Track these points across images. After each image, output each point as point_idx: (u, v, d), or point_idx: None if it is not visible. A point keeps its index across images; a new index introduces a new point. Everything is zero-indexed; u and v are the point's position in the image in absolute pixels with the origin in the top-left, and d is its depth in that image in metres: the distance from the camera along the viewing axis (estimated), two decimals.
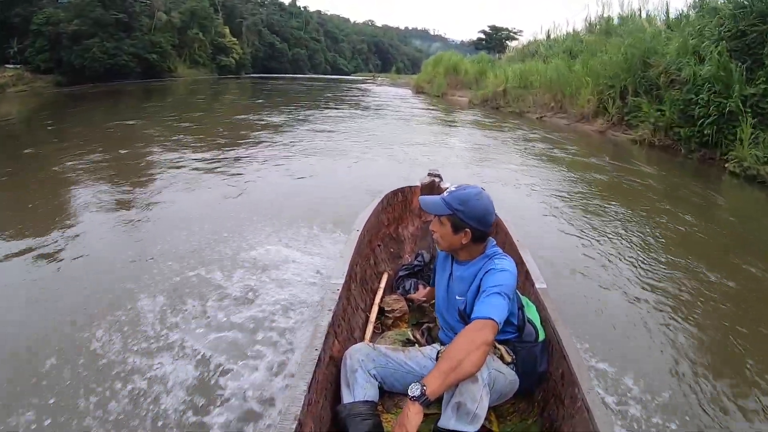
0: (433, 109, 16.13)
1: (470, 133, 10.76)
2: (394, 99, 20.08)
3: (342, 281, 1.92)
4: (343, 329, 1.85)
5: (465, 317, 1.55)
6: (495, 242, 1.67)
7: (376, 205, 2.86)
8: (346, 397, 1.50)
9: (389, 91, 25.75)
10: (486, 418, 1.48)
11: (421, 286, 2.40)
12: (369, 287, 2.42)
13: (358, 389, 1.50)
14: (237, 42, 40.00)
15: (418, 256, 2.72)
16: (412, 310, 2.30)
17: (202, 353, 2.19)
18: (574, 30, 16.58)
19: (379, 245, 2.85)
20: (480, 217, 1.56)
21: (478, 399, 1.34)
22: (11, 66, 23.98)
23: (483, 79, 17.84)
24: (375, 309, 2.22)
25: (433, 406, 1.37)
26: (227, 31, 39.30)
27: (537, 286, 1.95)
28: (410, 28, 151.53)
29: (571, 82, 11.63)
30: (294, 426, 1.22)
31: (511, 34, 32.74)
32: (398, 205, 3.15)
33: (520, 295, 1.75)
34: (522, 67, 15.01)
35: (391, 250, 2.97)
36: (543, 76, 13.17)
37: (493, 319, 1.38)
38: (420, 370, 1.56)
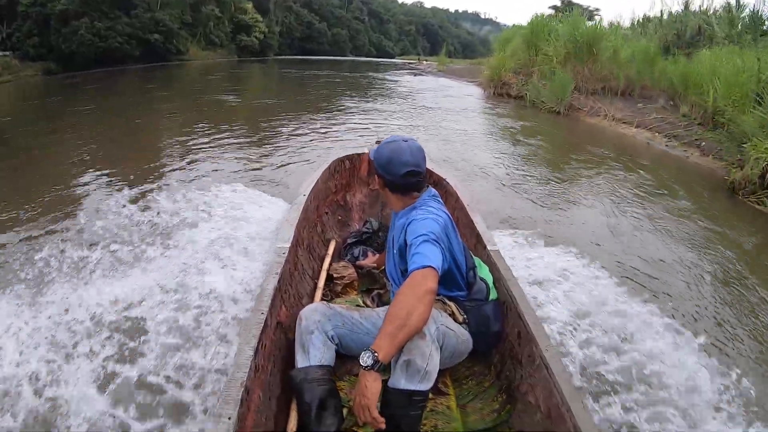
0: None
1: None
2: (458, 120, 8.57)
3: (288, 245, 1.86)
4: (291, 295, 1.79)
5: (403, 272, 1.48)
6: (433, 194, 1.61)
7: (323, 171, 2.79)
8: (301, 361, 1.43)
9: (439, 87, 14.83)
10: (441, 382, 1.56)
11: (370, 253, 2.35)
12: (316, 254, 2.35)
13: (315, 352, 1.43)
14: (261, 20, 35.34)
15: (367, 223, 2.66)
16: (362, 276, 2.21)
17: None
18: None
19: (326, 212, 2.79)
20: (383, 164, 1.55)
21: (428, 355, 1.27)
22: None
23: (654, 73, 8.59)
24: (323, 275, 2.15)
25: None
26: (250, 6, 34.73)
27: (489, 248, 1.94)
28: (460, 11, 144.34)
29: None
30: (240, 393, 1.15)
31: (588, 11, 27.01)
32: (346, 172, 3.06)
33: (473, 256, 1.73)
34: None
35: (339, 217, 2.90)
36: None
37: (430, 266, 1.30)
38: (376, 331, 1.36)
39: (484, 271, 1.72)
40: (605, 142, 7.23)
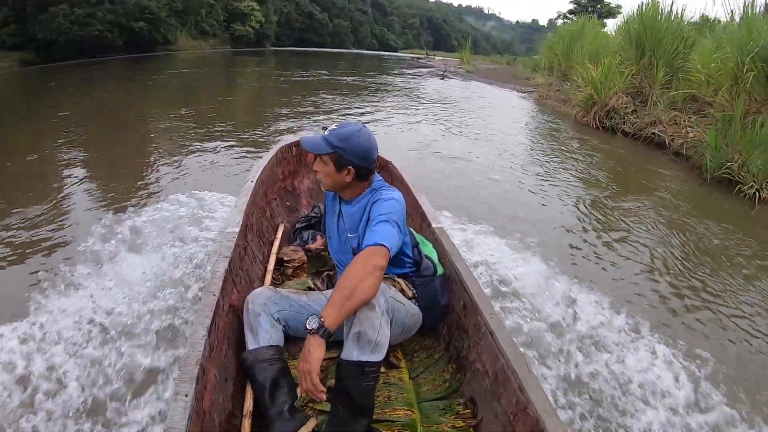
0: None
1: None
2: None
3: (237, 230, 1.88)
4: (242, 278, 1.81)
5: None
6: (381, 178, 1.65)
7: (270, 157, 2.81)
8: (251, 344, 1.48)
9: (494, 107, 10.88)
10: (393, 356, 1.62)
11: (318, 237, 2.40)
12: (266, 239, 2.39)
13: (263, 334, 1.48)
14: (258, 8, 33.69)
15: (315, 208, 2.68)
16: (311, 259, 2.27)
17: None
18: None
19: (275, 198, 2.80)
20: (362, 154, 1.53)
21: (378, 326, 1.30)
22: None
23: None
24: (273, 258, 2.19)
25: (336, 349, 1.37)
26: None
27: (434, 225, 2.01)
28: (464, 5, 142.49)
29: None
30: (196, 371, 1.15)
31: (612, 9, 25.62)
32: (293, 158, 3.09)
33: (416, 233, 1.79)
34: None
35: (288, 203, 2.92)
36: None
37: (383, 245, 1.36)
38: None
39: (428, 248, 1.78)
40: None
